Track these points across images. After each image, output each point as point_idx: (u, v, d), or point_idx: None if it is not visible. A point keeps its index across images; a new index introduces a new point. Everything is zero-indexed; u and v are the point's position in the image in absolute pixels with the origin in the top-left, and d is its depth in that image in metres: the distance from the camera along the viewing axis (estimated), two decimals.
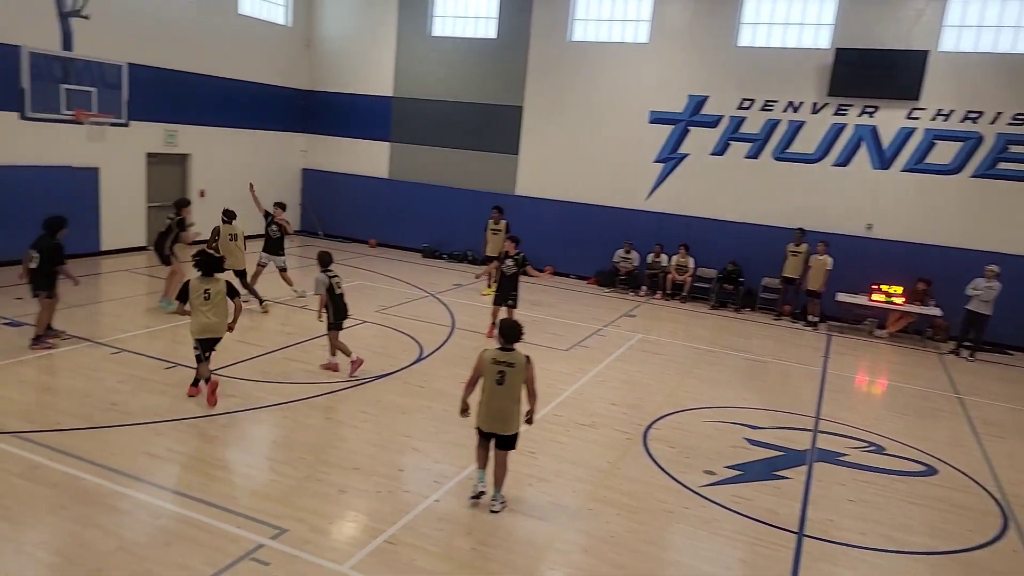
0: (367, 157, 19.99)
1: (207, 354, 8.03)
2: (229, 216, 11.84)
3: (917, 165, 14.92)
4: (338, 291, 9.25)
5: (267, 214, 12.70)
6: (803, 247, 14.99)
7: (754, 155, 16.11)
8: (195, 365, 8.11)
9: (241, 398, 8.33)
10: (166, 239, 11.37)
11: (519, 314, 11.02)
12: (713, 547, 6.17)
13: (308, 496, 6.31)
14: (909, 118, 14.85)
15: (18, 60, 12.30)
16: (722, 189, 16.42)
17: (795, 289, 15.25)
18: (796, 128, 15.70)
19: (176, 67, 16.27)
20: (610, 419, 8.75)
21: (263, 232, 12.81)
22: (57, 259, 9.18)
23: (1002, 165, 14.31)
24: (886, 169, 15.15)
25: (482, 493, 6.40)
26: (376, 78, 19.55)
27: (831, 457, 8.28)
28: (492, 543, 5.87)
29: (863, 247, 15.23)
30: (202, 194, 17.30)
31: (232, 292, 8.06)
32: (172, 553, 5.30)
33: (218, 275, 8.02)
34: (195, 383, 8.18)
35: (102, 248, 15.06)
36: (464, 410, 6.44)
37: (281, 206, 12.86)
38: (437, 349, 10.90)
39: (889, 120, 15.00)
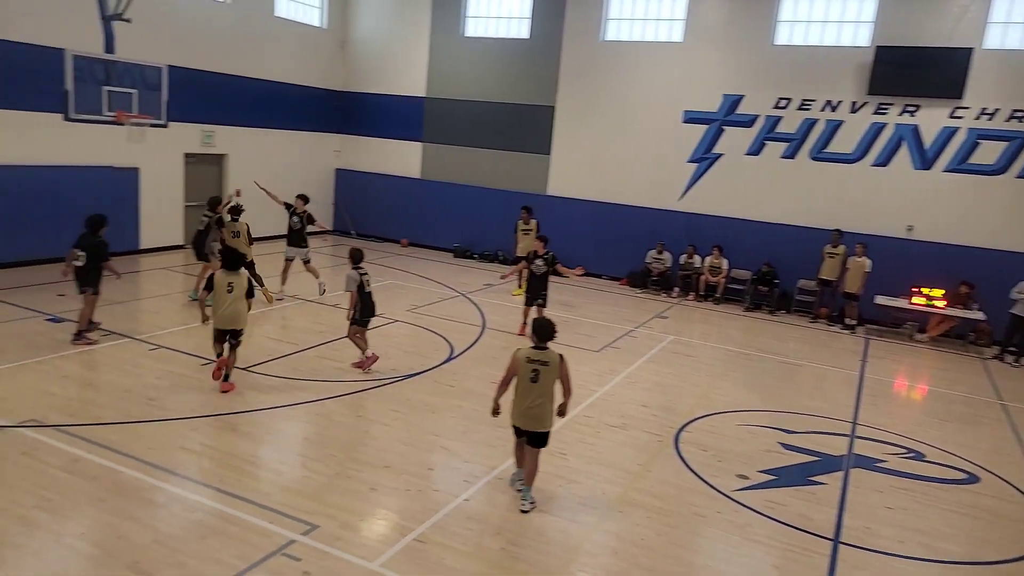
0: (399, 157, 20.12)
1: (234, 343, 8.41)
2: (235, 213, 12.03)
3: (960, 165, 14.54)
4: (367, 289, 9.31)
5: (288, 205, 12.81)
6: (840, 248, 14.71)
7: (790, 155, 15.85)
8: (214, 348, 8.51)
9: (273, 395, 8.43)
10: (205, 237, 11.68)
11: (549, 314, 10.97)
12: (746, 553, 6.07)
13: (339, 493, 6.35)
14: (952, 117, 14.48)
15: (62, 63, 12.62)
16: (757, 189, 16.19)
17: (832, 291, 14.97)
18: (834, 127, 15.41)
19: (213, 69, 16.56)
20: (641, 421, 8.68)
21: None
22: (103, 256, 9.46)
23: None
24: (928, 169, 14.79)
25: (521, 491, 6.44)
26: (409, 79, 19.66)
27: (868, 463, 8.10)
28: (522, 543, 5.85)
29: (903, 249, 14.88)
30: (238, 193, 17.48)
31: (251, 292, 8.47)
32: (206, 547, 5.37)
33: (241, 270, 8.44)
34: (227, 374, 8.51)
35: (141, 246, 15.39)
36: (495, 411, 6.47)
37: (303, 198, 12.89)
38: (468, 349, 10.91)
39: (931, 119, 14.64)
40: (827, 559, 6.07)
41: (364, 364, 9.40)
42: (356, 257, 9.35)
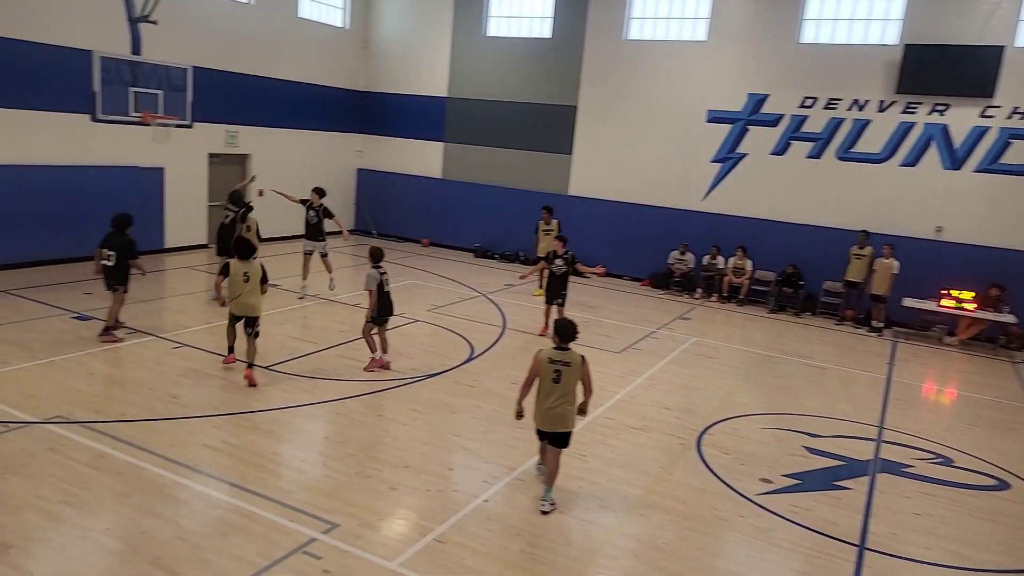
0: (421, 157, 20.17)
1: (251, 332, 8.78)
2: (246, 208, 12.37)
3: (991, 165, 14.24)
4: (386, 288, 9.33)
5: (304, 201, 12.89)
6: (867, 250, 14.49)
7: (816, 155, 15.64)
8: (227, 335, 9.06)
9: (294, 394, 8.47)
10: (231, 231, 11.86)
11: (569, 314, 10.91)
12: (769, 557, 5.98)
13: (359, 492, 6.36)
14: (983, 116, 14.19)
15: (90, 64, 12.81)
16: (782, 190, 16.00)
17: (858, 293, 14.75)
18: (861, 127, 15.18)
19: (237, 70, 16.72)
20: (663, 423, 8.60)
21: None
22: (131, 254, 9.62)
23: None
24: (957, 169, 14.51)
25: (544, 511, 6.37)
26: (431, 79, 19.71)
27: (895, 468, 7.96)
28: (541, 545, 5.81)
29: (932, 250, 14.62)
30: (260, 193, 17.67)
31: (265, 279, 8.90)
32: (228, 544, 5.40)
33: (254, 260, 8.96)
34: (229, 351, 9.07)
35: (165, 245, 15.57)
36: (519, 414, 6.48)
37: (319, 191, 12.95)
38: (488, 349, 10.89)
39: (961, 118, 14.36)
40: (852, 565, 5.96)
41: (371, 365, 9.41)
42: (376, 256, 9.36)
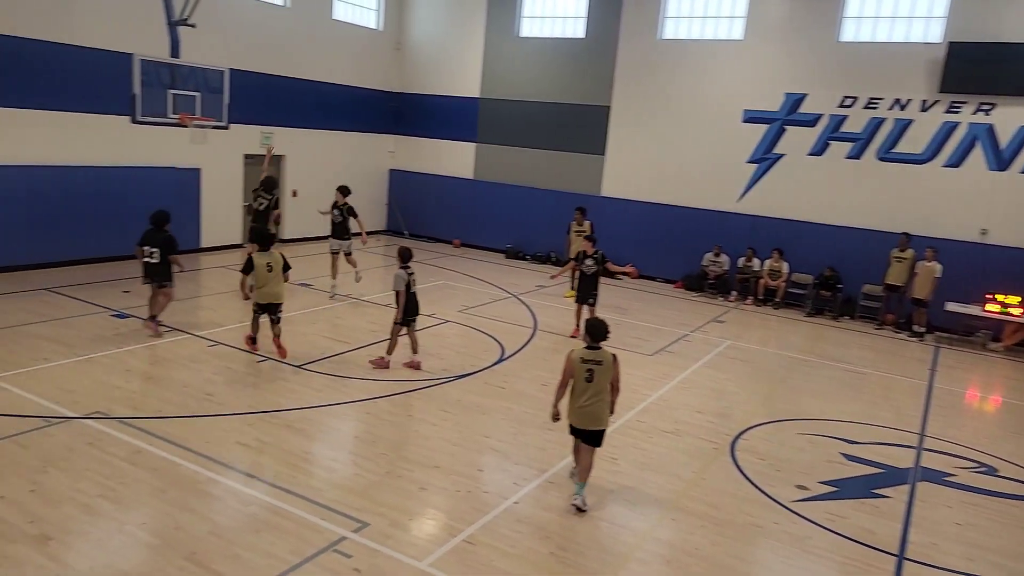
0: (453, 158, 20.22)
1: (275, 319, 9.40)
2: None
3: None
4: (412, 289, 9.35)
5: (333, 204, 12.93)
6: (909, 253, 14.15)
7: (856, 155, 15.31)
8: (251, 322, 9.59)
9: (326, 393, 8.53)
10: (266, 218, 12.23)
11: (601, 316, 10.83)
12: (804, 566, 5.84)
13: (389, 491, 6.37)
14: None
15: (130, 67, 13.06)
16: (820, 191, 15.70)
17: (899, 297, 14.40)
18: (903, 127, 14.82)
19: (273, 71, 16.94)
20: (695, 427, 8.48)
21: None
22: (172, 249, 9.93)
23: None
24: (1003, 170, 14.08)
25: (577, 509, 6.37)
26: (463, 80, 19.75)
27: (936, 477, 7.74)
28: (571, 548, 5.76)
29: (976, 254, 14.21)
30: (294, 194, 17.94)
31: (286, 266, 9.46)
32: (260, 540, 5.45)
33: (274, 250, 9.52)
34: (254, 341, 9.58)
35: (201, 245, 15.82)
36: (555, 416, 6.49)
37: (343, 190, 12.99)
38: (519, 350, 10.86)
39: (1007, 118, 13.93)
40: (891, 575, 5.81)
41: (380, 363, 9.42)
42: (405, 256, 9.38)
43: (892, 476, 7.65)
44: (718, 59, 16.49)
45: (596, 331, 6.36)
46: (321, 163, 18.51)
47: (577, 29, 18.24)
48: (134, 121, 13.27)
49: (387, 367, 9.40)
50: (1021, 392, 11.33)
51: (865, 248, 15.02)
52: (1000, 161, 14.07)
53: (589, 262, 11.53)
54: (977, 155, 14.25)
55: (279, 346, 9.42)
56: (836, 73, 15.34)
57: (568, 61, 18.27)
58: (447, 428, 7.83)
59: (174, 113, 13.71)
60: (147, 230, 9.93)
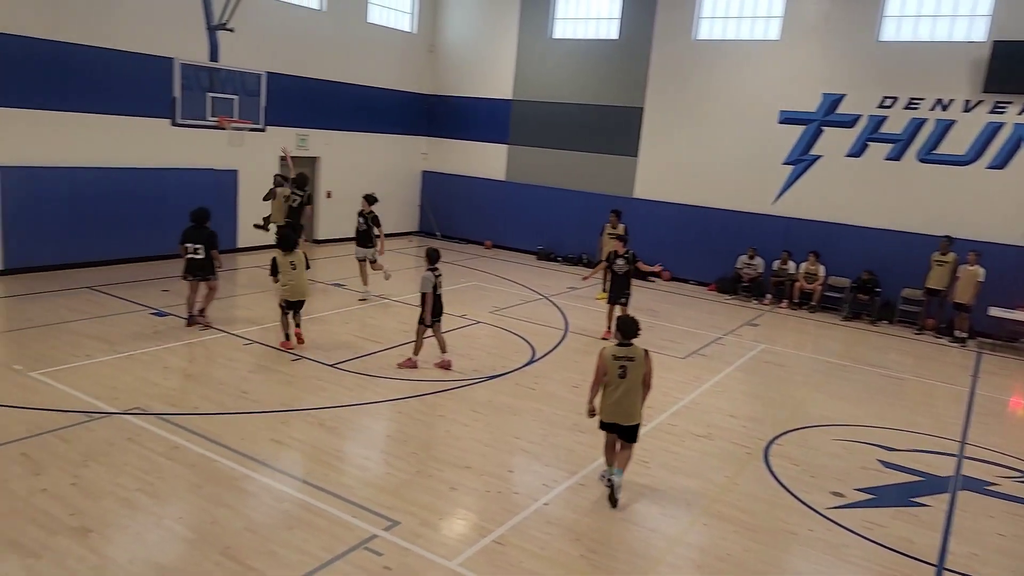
0: (485, 159, 20.27)
1: (296, 313, 9.85)
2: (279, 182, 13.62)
3: None
4: (438, 291, 9.39)
5: (360, 212, 12.98)
6: (950, 256, 13.81)
7: (895, 156, 15.00)
8: (281, 322, 9.91)
9: (358, 392, 8.61)
10: (299, 215, 12.62)
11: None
12: (840, 574, 5.73)
13: (420, 491, 6.41)
14: None
15: (171, 71, 13.36)
16: (858, 193, 15.41)
17: (940, 301, 14.07)
18: (945, 127, 14.47)
19: (308, 74, 17.18)
20: (728, 431, 8.37)
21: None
22: (215, 245, 10.32)
23: None
24: None
25: (611, 486, 6.46)
26: (496, 81, 19.80)
27: (978, 486, 7.54)
28: (601, 551, 5.73)
29: (1021, 257, 13.81)
30: (328, 195, 18.15)
31: (307, 265, 9.89)
32: (293, 537, 5.52)
33: (297, 249, 9.91)
34: (287, 337, 9.86)
35: (238, 245, 16.09)
36: (591, 412, 6.57)
37: (368, 198, 12.99)
38: (550, 352, 10.84)
39: None
40: None
41: (408, 364, 9.47)
42: (432, 257, 9.43)
43: (931, 484, 7.48)
44: (754, 60, 16.29)
45: (628, 327, 6.45)
46: (355, 165, 18.71)
47: (610, 30, 18.17)
48: (174, 124, 13.58)
49: (416, 367, 9.46)
50: None
51: (905, 251, 14.70)
52: None
53: (620, 262, 11.50)
54: (1022, 157, 13.85)
55: (299, 335, 9.93)
56: (876, 73, 15.05)
57: (601, 62, 18.21)
58: (478, 428, 7.85)
59: (213, 116, 13.99)
60: (189, 227, 10.24)
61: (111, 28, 13.36)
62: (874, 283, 14.81)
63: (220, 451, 6.79)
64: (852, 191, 15.46)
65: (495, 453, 7.32)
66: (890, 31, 15.06)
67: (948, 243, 13.90)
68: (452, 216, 20.86)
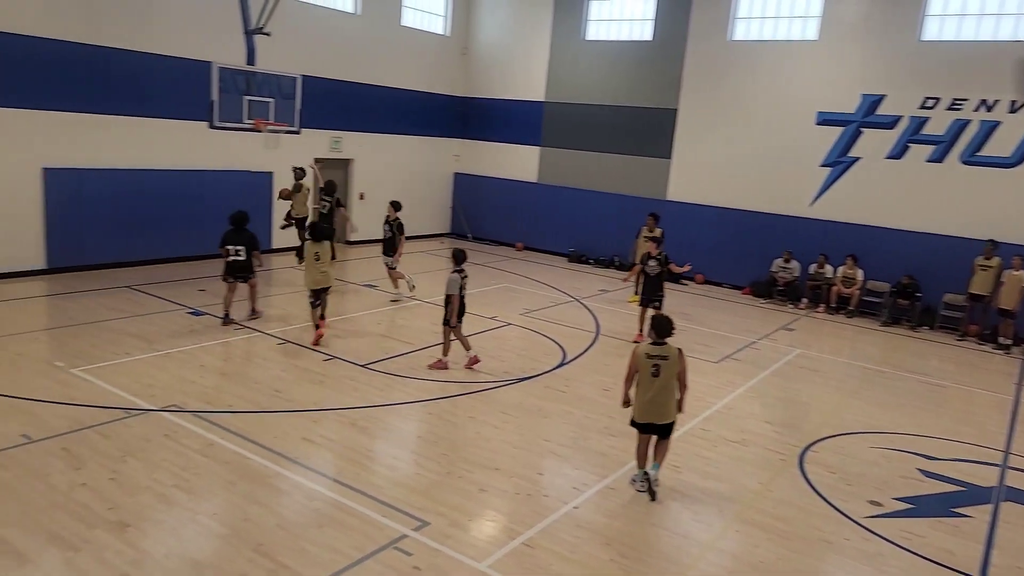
0: (517, 161, 20.28)
1: (320, 301, 10.24)
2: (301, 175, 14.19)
3: None
4: (463, 292, 9.41)
5: (386, 219, 12.99)
6: (995, 261, 13.43)
7: (938, 158, 14.64)
8: (311, 312, 10.35)
9: (388, 392, 8.66)
10: (330, 220, 12.95)
11: None
12: None
13: (450, 491, 6.41)
14: None
15: (209, 75, 13.60)
16: (898, 195, 15.07)
17: (983, 307, 13.68)
18: (990, 129, 14.09)
19: (343, 77, 17.36)
20: (762, 437, 8.24)
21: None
22: (256, 247, 10.77)
23: None
24: None
25: (642, 492, 6.55)
26: (529, 83, 19.80)
27: (1022, 497, 7.30)
28: (631, 556, 5.67)
29: None
30: (361, 196, 18.31)
31: (333, 256, 10.48)
32: (324, 535, 5.56)
33: (325, 240, 10.34)
34: (317, 327, 10.15)
35: (272, 246, 16.30)
36: (626, 402, 6.68)
37: (395, 205, 12.97)
38: (580, 355, 10.79)
39: None
40: None
41: (438, 365, 9.51)
42: (459, 258, 9.46)
43: (973, 495, 7.27)
44: (791, 60, 16.05)
45: (662, 326, 6.50)
46: (387, 167, 18.87)
47: (644, 32, 18.05)
48: (212, 126, 13.81)
49: (446, 368, 9.49)
50: None
51: (947, 255, 14.34)
52: None
53: (652, 263, 11.42)
54: None
55: (321, 326, 10.24)
56: (917, 73, 14.71)
57: (635, 64, 18.10)
58: (508, 430, 7.83)
59: (249, 118, 14.20)
60: (229, 230, 10.56)
61: (152, 33, 13.65)
62: (915, 288, 14.47)
63: (253, 449, 6.87)
64: (892, 193, 15.13)
65: (525, 455, 7.29)
66: (932, 30, 14.71)
67: (992, 247, 13.52)
68: (483, 218, 20.90)
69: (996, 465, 8.05)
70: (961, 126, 14.34)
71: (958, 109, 14.35)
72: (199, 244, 14.58)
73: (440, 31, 20.12)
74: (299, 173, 14.25)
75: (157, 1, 13.64)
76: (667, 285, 11.70)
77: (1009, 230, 13.79)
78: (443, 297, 9.49)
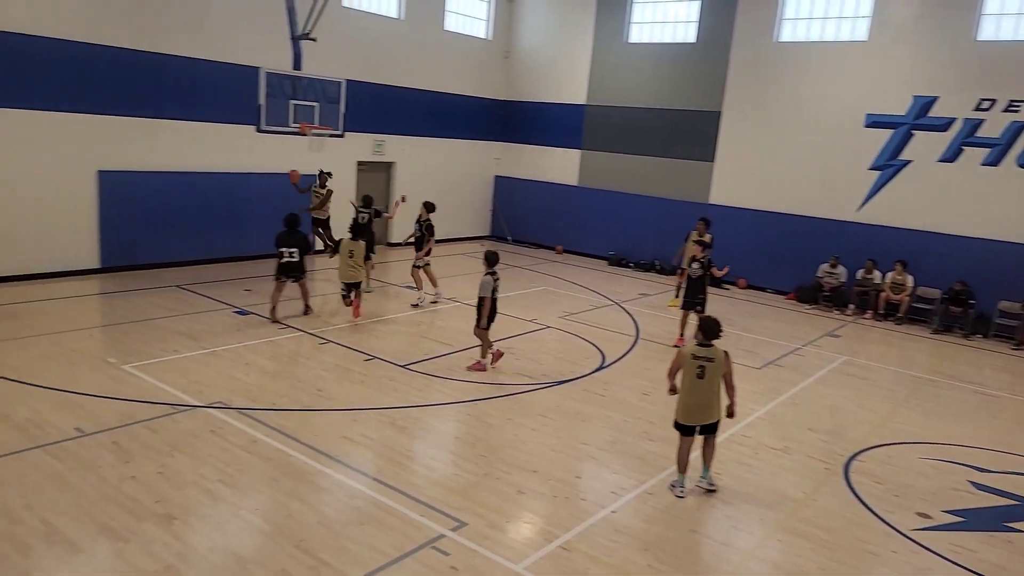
0: (558, 164, 20.26)
1: (352, 293, 11.24)
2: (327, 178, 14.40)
3: None
4: (495, 295, 9.42)
5: (418, 219, 13.01)
6: None
7: (993, 162, 14.17)
8: (342, 301, 11.40)
9: (428, 393, 8.72)
10: (369, 230, 13.16)
11: None
12: None
13: (487, 493, 6.43)
14: None
15: (257, 80, 13.92)
16: (951, 199, 14.63)
17: None
18: None
19: (386, 82, 17.58)
20: (806, 445, 8.07)
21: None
22: (308, 248, 11.30)
23: None
24: None
25: (681, 497, 6.55)
26: (570, 87, 19.77)
27: None
28: (670, 562, 5.60)
29: None
30: (403, 199, 18.46)
31: (366, 256, 11.63)
32: (364, 533, 5.62)
33: (361, 240, 11.37)
34: (349, 303, 11.31)
35: (315, 248, 16.56)
36: (672, 390, 6.75)
37: (427, 206, 12.94)
38: (620, 358, 10.72)
39: None
40: None
41: (476, 366, 9.56)
42: (491, 260, 9.50)
43: None
44: (839, 61, 15.72)
45: (709, 328, 6.47)
46: (429, 170, 19.03)
47: (688, 34, 17.88)
48: (259, 130, 14.13)
49: (484, 370, 9.54)
50: None
51: (1002, 261, 13.88)
52: None
53: (695, 266, 11.31)
54: None
55: (356, 307, 11.27)
56: (972, 74, 14.26)
57: (678, 66, 17.93)
58: (546, 433, 7.82)
59: (295, 122, 14.49)
60: (282, 232, 10.91)
61: (203, 40, 14.02)
62: (968, 295, 14.02)
63: (296, 446, 6.99)
64: (944, 198, 14.70)
65: (563, 458, 7.27)
66: (989, 30, 14.26)
67: None
68: (523, 221, 20.93)
69: None
70: (1018, 128, 13.86)
71: (1015, 111, 13.87)
72: (245, 245, 14.94)
73: (482, 35, 20.23)
74: (324, 177, 14.29)
75: (208, 9, 14.00)
76: (709, 290, 11.55)
77: None
78: (477, 299, 9.52)
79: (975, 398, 10.43)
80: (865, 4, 15.47)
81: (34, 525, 5.39)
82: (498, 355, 9.72)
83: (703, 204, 17.29)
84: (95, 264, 13.22)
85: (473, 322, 9.68)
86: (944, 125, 14.62)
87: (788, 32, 16.53)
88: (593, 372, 9.98)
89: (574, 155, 19.95)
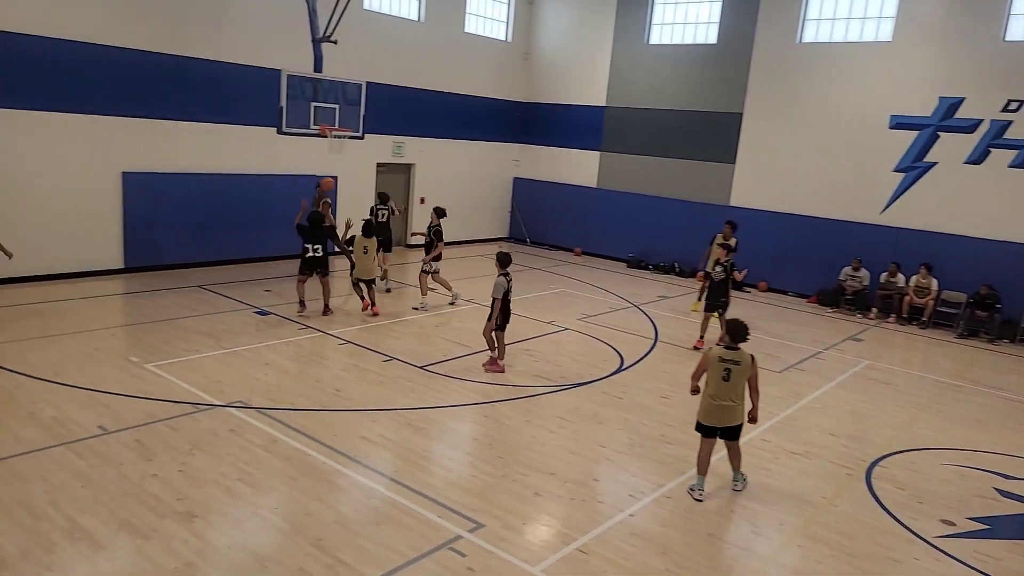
0: (577, 166, 20.22)
1: (368, 289, 11.72)
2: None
3: None
4: (509, 296, 9.42)
5: (429, 225, 12.95)
6: None
7: (1021, 164, 13.92)
8: (355, 292, 11.92)
9: (446, 394, 8.73)
10: (387, 227, 13.46)
11: None
12: None
13: (505, 494, 6.42)
14: None
15: (279, 82, 14.03)
16: (978, 202, 14.39)
17: None
18: None
19: (406, 84, 17.65)
20: (827, 450, 7.97)
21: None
22: (326, 246, 11.54)
23: None
24: None
25: (700, 500, 6.53)
26: (590, 88, 19.72)
27: None
28: (687, 566, 5.56)
29: None
30: (422, 200, 18.58)
31: (379, 249, 12.10)
32: (381, 533, 5.63)
33: (374, 237, 11.79)
34: (373, 304, 11.75)
35: (335, 249, 16.64)
36: (695, 390, 6.74)
37: (438, 211, 12.88)
38: (638, 361, 10.66)
39: None
40: None
41: (494, 368, 9.57)
42: (504, 261, 9.48)
43: None
44: (863, 62, 15.53)
45: (737, 331, 6.46)
46: (448, 171, 19.09)
47: (709, 35, 17.78)
48: (280, 132, 14.24)
49: (502, 371, 9.53)
50: None
51: None
52: None
53: (718, 268, 11.27)
54: None
55: (373, 307, 11.72)
56: (1000, 75, 14.03)
57: (698, 67, 17.83)
58: (564, 435, 7.80)
59: (315, 124, 14.59)
60: (308, 230, 11.21)
61: (225, 43, 14.17)
62: (994, 299, 13.78)
63: (314, 446, 7.03)
64: (971, 200, 14.47)
65: (580, 461, 7.24)
66: (1017, 30, 14.02)
67: None
68: (543, 222, 20.91)
69: None
70: None
71: None
72: (266, 246, 15.08)
73: (502, 37, 20.26)
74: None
75: (231, 12, 14.16)
76: (732, 294, 11.47)
77: None
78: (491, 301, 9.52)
79: (1001, 404, 10.25)
80: (889, 4, 15.28)
81: (58, 522, 5.47)
82: (494, 363, 9.63)
83: (724, 206, 17.17)
84: (119, 264, 13.40)
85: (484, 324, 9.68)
86: (971, 126, 14.39)
87: (811, 33, 16.37)
88: (612, 375, 9.94)
89: (593, 157, 19.90)
